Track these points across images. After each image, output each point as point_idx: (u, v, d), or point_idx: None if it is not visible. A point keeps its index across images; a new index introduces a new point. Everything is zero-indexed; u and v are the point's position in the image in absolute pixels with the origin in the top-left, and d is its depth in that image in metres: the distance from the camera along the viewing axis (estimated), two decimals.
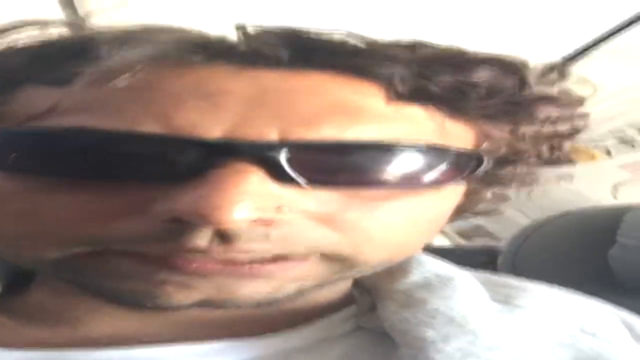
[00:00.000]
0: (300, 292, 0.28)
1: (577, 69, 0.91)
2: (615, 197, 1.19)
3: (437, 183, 0.28)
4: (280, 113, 0.24)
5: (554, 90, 0.30)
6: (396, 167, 0.26)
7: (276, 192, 0.24)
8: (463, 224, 1.70)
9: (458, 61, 0.27)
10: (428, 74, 0.27)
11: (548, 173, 0.35)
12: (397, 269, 0.34)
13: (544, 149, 0.33)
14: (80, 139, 0.24)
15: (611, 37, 0.83)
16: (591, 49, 0.86)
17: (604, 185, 1.20)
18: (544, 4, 0.78)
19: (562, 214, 1.00)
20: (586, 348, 0.30)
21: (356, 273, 0.30)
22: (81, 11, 0.75)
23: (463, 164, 0.29)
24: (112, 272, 0.26)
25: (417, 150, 0.27)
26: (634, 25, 0.80)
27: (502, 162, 0.32)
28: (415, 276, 0.34)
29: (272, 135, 0.24)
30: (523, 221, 1.11)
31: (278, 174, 0.24)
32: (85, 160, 0.24)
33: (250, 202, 0.23)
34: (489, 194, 0.36)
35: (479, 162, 0.29)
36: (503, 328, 0.30)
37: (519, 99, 0.29)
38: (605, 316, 0.33)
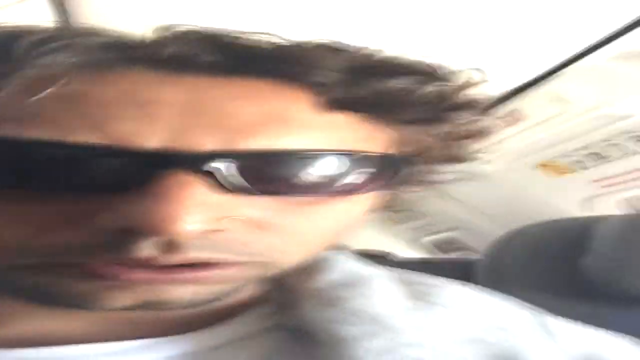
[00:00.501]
0: (226, 293, 0.28)
1: (551, 86, 0.94)
2: (585, 210, 1.21)
3: (366, 187, 0.28)
4: (217, 122, 0.24)
5: (473, 95, 0.31)
6: (329, 175, 0.27)
7: (220, 202, 0.24)
8: (437, 236, 1.71)
9: (384, 68, 0.27)
10: (355, 81, 0.27)
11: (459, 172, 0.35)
12: (315, 267, 0.35)
13: (450, 148, 0.33)
14: (13, 150, 0.23)
15: (582, 56, 0.86)
16: (564, 67, 0.88)
17: (574, 199, 1.22)
18: (516, 23, 0.80)
19: (534, 224, 1.02)
20: (499, 343, 0.31)
21: (276, 273, 0.30)
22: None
23: (389, 169, 0.29)
24: (52, 281, 0.25)
25: (349, 158, 0.27)
26: (604, 45, 0.83)
27: (413, 161, 0.32)
28: (334, 274, 0.34)
29: (210, 144, 0.24)
30: (496, 232, 1.13)
31: (221, 184, 0.24)
32: (20, 171, 0.24)
33: (199, 212, 0.23)
34: (401, 191, 0.36)
35: (403, 165, 0.30)
36: (421, 325, 0.31)
37: (442, 105, 0.29)
38: (518, 313, 0.34)
